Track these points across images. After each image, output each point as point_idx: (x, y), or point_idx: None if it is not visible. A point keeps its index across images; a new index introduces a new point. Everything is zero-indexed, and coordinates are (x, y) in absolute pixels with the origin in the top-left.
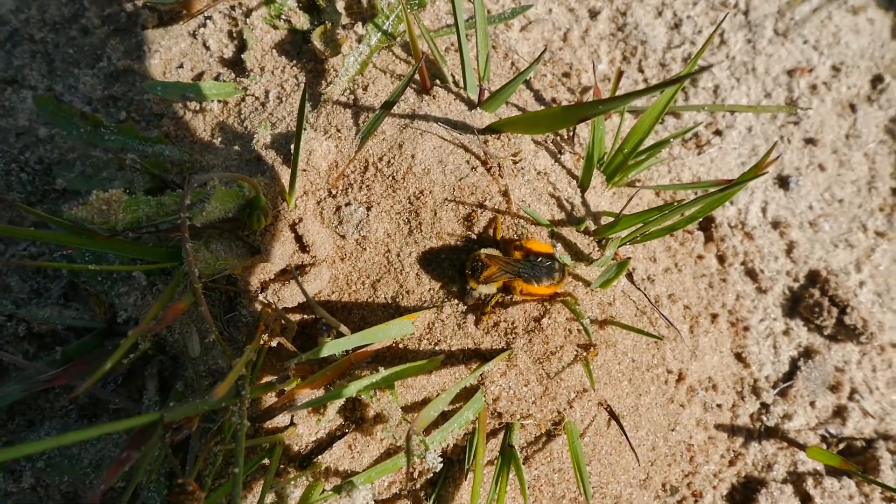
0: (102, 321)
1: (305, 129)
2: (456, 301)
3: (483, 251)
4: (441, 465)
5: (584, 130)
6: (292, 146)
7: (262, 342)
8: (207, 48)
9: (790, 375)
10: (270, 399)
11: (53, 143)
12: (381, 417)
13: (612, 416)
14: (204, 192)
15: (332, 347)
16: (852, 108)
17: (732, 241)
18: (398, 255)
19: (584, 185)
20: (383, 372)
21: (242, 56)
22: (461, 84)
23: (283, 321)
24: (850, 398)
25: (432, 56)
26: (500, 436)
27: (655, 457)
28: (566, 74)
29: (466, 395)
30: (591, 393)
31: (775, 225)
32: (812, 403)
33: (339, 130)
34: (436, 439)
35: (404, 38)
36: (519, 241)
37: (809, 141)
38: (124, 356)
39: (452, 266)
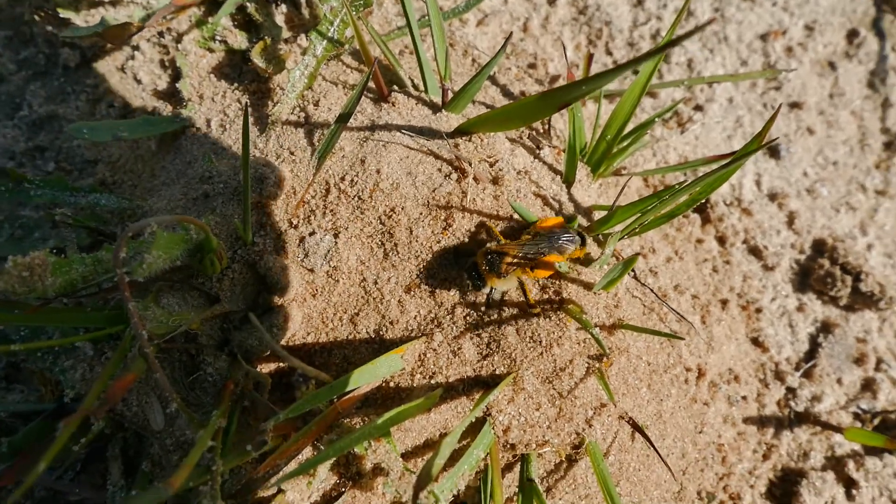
0: (51, 401)
1: (254, 155)
2: (448, 324)
3: (489, 244)
4: None
5: (559, 122)
6: (241, 176)
7: (231, 403)
8: (139, 82)
9: (812, 354)
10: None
11: None
12: (380, 470)
13: (636, 428)
14: (143, 241)
15: (312, 400)
16: (832, 66)
17: (731, 220)
18: (375, 283)
19: (569, 180)
20: (376, 419)
21: (178, 85)
22: (421, 87)
23: (254, 377)
24: (877, 369)
25: (386, 60)
26: (517, 469)
27: (686, 464)
28: (531, 66)
29: (473, 429)
30: (610, 407)
31: (772, 197)
32: (839, 381)
33: (292, 153)
34: (445, 488)
35: (353, 45)
36: (531, 226)
37: (794, 105)
38: (73, 440)
39: (438, 286)
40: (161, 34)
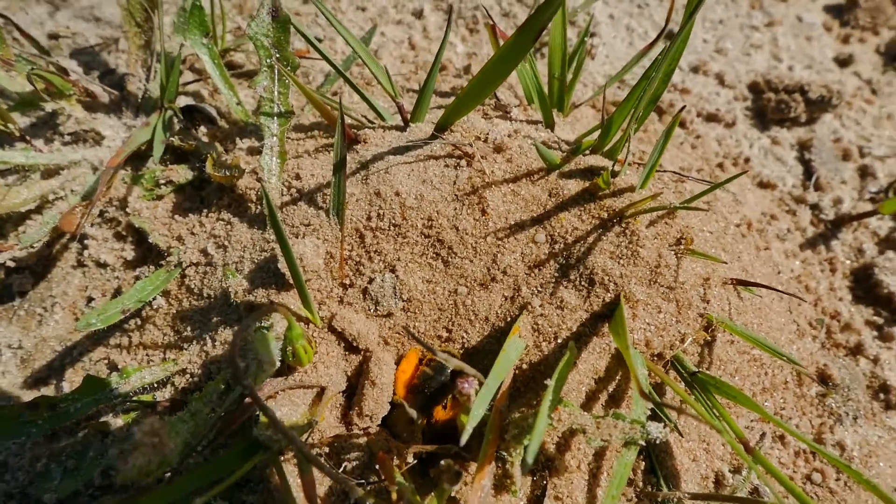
0: None
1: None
2: (537, 287)
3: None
4: (667, 433)
5: (506, 91)
6: (280, 265)
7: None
8: (104, 266)
9: (808, 172)
10: None
11: (8, 468)
12: (564, 446)
13: (743, 283)
14: (246, 351)
15: (482, 400)
16: None
17: (678, 104)
18: (453, 293)
19: (549, 124)
20: (548, 390)
21: (150, 240)
22: (376, 120)
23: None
24: (862, 155)
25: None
26: (672, 375)
27: (787, 304)
28: (442, 68)
29: (621, 360)
30: (712, 279)
31: (695, 70)
32: (843, 182)
33: (307, 224)
34: (638, 413)
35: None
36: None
37: None
38: None
39: (508, 256)
40: (102, 213)
